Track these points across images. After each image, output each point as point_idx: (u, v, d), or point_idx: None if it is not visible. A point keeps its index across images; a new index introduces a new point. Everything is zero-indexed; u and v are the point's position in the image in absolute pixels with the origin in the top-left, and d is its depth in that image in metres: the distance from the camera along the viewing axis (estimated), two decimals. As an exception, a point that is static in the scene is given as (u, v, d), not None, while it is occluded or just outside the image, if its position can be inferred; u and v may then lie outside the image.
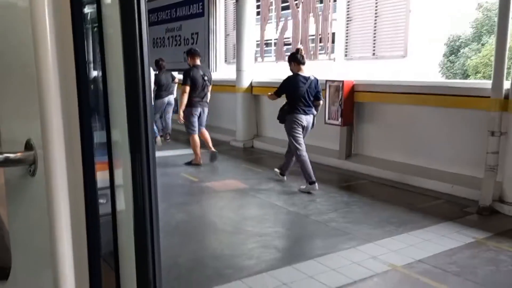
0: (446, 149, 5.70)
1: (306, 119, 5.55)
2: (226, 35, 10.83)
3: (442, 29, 20.41)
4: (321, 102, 5.71)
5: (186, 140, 7.71)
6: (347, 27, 8.25)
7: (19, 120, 1.06)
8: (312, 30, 8.69)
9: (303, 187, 5.55)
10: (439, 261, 3.54)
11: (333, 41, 9.37)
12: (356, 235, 4.11)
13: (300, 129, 5.54)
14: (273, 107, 8.58)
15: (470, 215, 4.66)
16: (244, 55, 8.60)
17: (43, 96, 0.96)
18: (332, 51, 9.26)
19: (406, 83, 6.26)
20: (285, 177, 6.02)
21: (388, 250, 3.74)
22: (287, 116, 5.56)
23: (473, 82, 9.84)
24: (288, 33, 9.22)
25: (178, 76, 10.07)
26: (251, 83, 8.71)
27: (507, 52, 4.73)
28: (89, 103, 1.02)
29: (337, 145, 6.97)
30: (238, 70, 8.69)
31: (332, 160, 6.98)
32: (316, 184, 5.46)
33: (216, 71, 9.93)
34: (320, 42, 8.58)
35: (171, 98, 9.72)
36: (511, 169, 4.69)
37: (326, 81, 6.92)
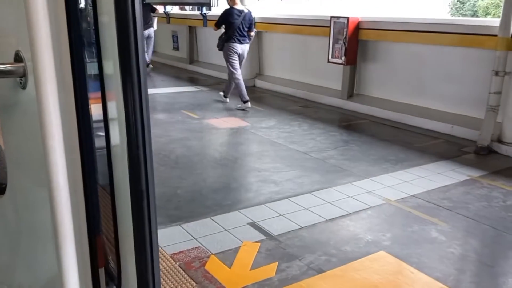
0: (450, 90, 5.64)
1: (241, 47, 6.45)
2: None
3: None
4: (253, 33, 6.59)
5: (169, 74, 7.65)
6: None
7: (7, 31, 1.04)
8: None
9: (238, 105, 6.60)
10: (433, 196, 3.62)
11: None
12: (353, 172, 4.18)
13: (236, 56, 6.47)
14: (276, 45, 8.42)
15: (467, 154, 4.70)
16: (247, -10, 8.27)
17: (30, 7, 0.94)
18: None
19: (413, 20, 6.06)
20: (227, 99, 6.98)
21: (383, 186, 3.82)
22: (224, 44, 6.45)
23: (481, 20, 9.54)
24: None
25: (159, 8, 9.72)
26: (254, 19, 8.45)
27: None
28: (79, 22, 1.00)
29: (339, 85, 6.90)
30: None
31: (334, 99, 6.94)
32: (249, 102, 6.55)
33: (217, 6, 9.60)
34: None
35: (151, 31, 9.53)
36: (513, 109, 4.66)
37: (331, 17, 6.72)
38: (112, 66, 0.99)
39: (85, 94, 1.03)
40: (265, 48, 8.69)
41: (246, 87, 6.65)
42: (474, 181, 3.97)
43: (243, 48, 6.46)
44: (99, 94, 1.05)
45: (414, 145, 4.95)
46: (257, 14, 8.44)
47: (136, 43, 0.95)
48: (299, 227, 3.09)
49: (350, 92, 6.81)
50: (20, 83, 1.02)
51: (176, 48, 11.46)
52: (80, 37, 1.01)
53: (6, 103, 1.11)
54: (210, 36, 10.25)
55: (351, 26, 6.47)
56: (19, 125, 1.10)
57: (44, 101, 0.97)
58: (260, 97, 7.77)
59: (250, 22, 6.42)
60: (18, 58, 1.00)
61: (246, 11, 6.39)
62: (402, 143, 5.01)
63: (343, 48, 6.56)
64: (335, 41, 6.72)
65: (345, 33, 6.51)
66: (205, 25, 9.94)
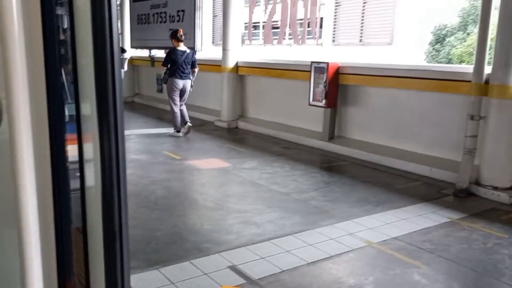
0: (427, 133, 5.78)
1: (182, 82, 7.43)
2: (214, 16, 10.69)
3: (429, 18, 20.47)
4: (196, 70, 7.58)
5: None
6: (335, 12, 8.21)
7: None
8: (300, 14, 8.63)
9: (170, 132, 7.66)
10: (414, 238, 3.62)
11: (321, 26, 9.32)
12: (334, 213, 4.16)
13: (177, 91, 7.44)
14: (259, 88, 8.58)
15: (446, 196, 4.75)
16: (230, 35, 8.51)
17: (7, 44, 0.94)
18: (320, 36, 9.21)
19: (390, 66, 6.28)
20: (180, 133, 7.64)
21: (365, 228, 3.80)
22: (168, 79, 7.42)
23: (455, 66, 9.93)
24: (277, 17, 9.13)
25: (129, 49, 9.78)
26: (237, 63, 8.65)
27: (489, 37, 4.77)
28: (57, 62, 1.00)
29: (320, 127, 7.01)
30: (224, 50, 8.61)
31: (315, 141, 7.02)
32: (181, 132, 7.56)
33: (201, 50, 9.81)
34: (308, 26, 8.53)
35: (122, 72, 9.68)
36: (489, 152, 4.77)
37: (312, 62, 6.91)
38: (89, 107, 0.98)
39: (62, 134, 1.02)
40: (248, 91, 8.84)
41: (229, 129, 6.75)
42: (454, 223, 3.99)
43: (184, 83, 7.45)
44: (75, 136, 1.04)
45: (394, 186, 4.99)
46: (240, 58, 8.65)
47: (114, 85, 0.96)
48: (281, 270, 3.03)
49: (331, 134, 6.91)
50: (-6, 121, 1.00)
51: (160, 90, 11.56)
52: (57, 77, 1.01)
53: (-21, 141, 1.08)
54: (194, 79, 10.41)
55: (331, 71, 6.66)
56: (-10, 165, 1.07)
57: (17, 140, 0.95)
58: (242, 138, 7.81)
59: (193, 60, 7.47)
60: (-8, 96, 0.99)
61: (188, 51, 7.46)
62: (383, 185, 5.05)
63: (324, 92, 6.71)
64: (316, 85, 6.88)
65: (325, 77, 6.68)
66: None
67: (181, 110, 7.62)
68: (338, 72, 6.73)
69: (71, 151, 1.05)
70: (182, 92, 7.52)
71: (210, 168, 5.71)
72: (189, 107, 10.35)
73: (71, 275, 1.08)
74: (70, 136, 1.05)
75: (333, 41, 8.55)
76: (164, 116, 10.03)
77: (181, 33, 7.43)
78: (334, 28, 8.37)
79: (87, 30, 0.94)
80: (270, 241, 3.50)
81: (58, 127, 1.01)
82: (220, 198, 4.62)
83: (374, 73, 6.36)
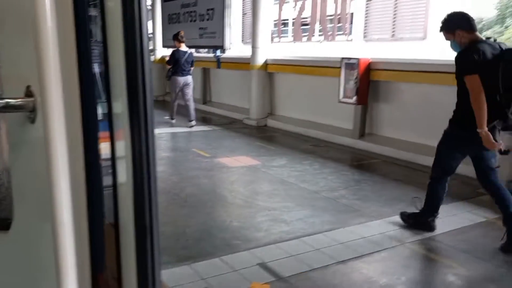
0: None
1: (184, 79, 8.26)
2: (243, 14, 10.71)
3: (464, 11, 19.84)
4: (192, 68, 8.44)
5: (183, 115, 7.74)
6: (367, 7, 8.07)
7: (19, 66, 1.07)
8: (330, 10, 8.53)
9: (167, 117, 8.81)
10: (449, 238, 3.51)
11: (351, 22, 9.19)
12: (365, 212, 4.10)
13: (178, 87, 8.32)
14: (288, 85, 8.54)
15: (483, 195, 4.58)
16: (259, 32, 8.51)
17: (41, 43, 0.96)
18: (350, 32, 9.08)
19: (424, 61, 6.12)
20: (174, 120, 8.72)
21: (397, 227, 3.72)
22: (171, 76, 8.31)
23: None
24: (306, 13, 9.06)
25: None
26: (266, 60, 8.64)
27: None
28: (89, 60, 1.02)
29: (350, 124, 6.91)
30: (253, 47, 8.61)
31: (345, 139, 6.93)
32: (175, 120, 8.69)
33: (230, 48, 9.85)
34: (339, 22, 8.43)
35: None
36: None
37: (342, 58, 6.82)
38: (120, 106, 1.00)
39: (95, 132, 1.04)
40: (277, 88, 8.82)
41: (258, 127, 6.75)
42: (491, 223, 3.86)
43: (184, 79, 8.28)
44: (107, 133, 1.06)
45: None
46: (269, 56, 8.64)
47: (144, 84, 0.97)
48: (310, 268, 3.01)
49: (362, 131, 6.80)
50: (30, 117, 1.03)
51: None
52: (90, 76, 1.03)
53: (16, 137, 1.13)
54: (223, 78, 10.48)
55: (362, 67, 6.55)
56: (27, 159, 1.11)
57: (51, 136, 0.98)
58: (271, 136, 7.80)
59: (192, 60, 8.35)
60: (28, 93, 1.01)
61: (189, 51, 8.28)
62: (415, 184, 4.93)
63: (355, 88, 6.61)
64: (346, 81, 6.79)
65: (356, 73, 6.58)
66: (219, 67, 10.17)
67: (187, 106, 8.36)
68: (370, 68, 6.62)
69: (103, 148, 1.07)
70: (185, 87, 8.29)
71: (239, 166, 5.73)
72: (218, 105, 10.47)
73: (103, 268, 1.10)
74: (102, 133, 1.07)
75: (364, 36, 8.41)
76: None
77: (182, 34, 8.25)
78: (365, 23, 8.23)
79: (118, 30, 0.96)
80: (299, 239, 3.48)
81: (91, 125, 1.03)
82: (249, 195, 4.63)
83: (406, 69, 6.21)
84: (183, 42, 8.23)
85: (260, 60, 8.61)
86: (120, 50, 0.96)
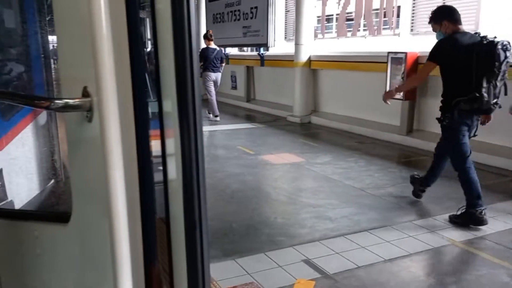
0: (518, 125, 5.32)
1: (214, 75, 8.86)
2: (286, 11, 10.68)
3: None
4: (223, 64, 9.08)
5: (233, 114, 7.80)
6: (414, 0, 7.83)
7: (76, 68, 1.13)
8: (376, 4, 8.34)
9: (209, 116, 8.98)
10: (503, 238, 3.36)
11: (398, 15, 8.94)
12: (413, 210, 4.00)
13: (211, 82, 8.87)
14: (332, 82, 8.45)
15: (541, 194, 4.36)
16: (303, 29, 8.46)
17: (97, 46, 1.02)
18: (397, 26, 8.83)
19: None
20: (216, 117, 8.97)
21: (447, 225, 3.61)
22: (203, 73, 8.76)
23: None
24: (351, 8, 8.90)
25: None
26: (309, 57, 8.58)
27: None
28: (141, 63, 1.07)
29: (398, 120, 6.74)
30: (297, 44, 8.58)
31: (392, 135, 6.77)
32: (218, 117, 8.94)
33: (274, 46, 9.86)
34: (384, 16, 8.22)
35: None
36: None
37: (388, 53, 6.67)
38: (170, 105, 1.04)
39: (147, 130, 1.09)
40: (321, 85, 8.74)
41: (302, 124, 6.73)
42: (550, 222, 3.65)
43: (216, 75, 8.87)
44: (158, 132, 1.11)
45: (481, 183, 4.65)
46: (313, 52, 8.58)
47: (193, 84, 1.01)
48: (356, 266, 2.98)
49: (410, 127, 6.62)
50: (87, 116, 1.09)
51: (234, 87, 11.82)
52: (142, 76, 1.08)
53: (74, 136, 1.19)
54: (267, 75, 10.51)
55: (410, 61, 6.37)
56: (84, 157, 1.17)
57: (107, 134, 1.03)
58: (315, 133, 7.75)
59: (221, 57, 8.93)
60: (85, 93, 1.07)
61: (218, 49, 8.89)
62: (467, 181, 4.74)
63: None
64: (393, 76, 6.62)
65: (403, 68, 6.41)
66: (262, 64, 10.21)
67: (211, 100, 8.96)
68: (417, 63, 6.42)
69: (154, 146, 1.12)
70: (215, 84, 8.91)
71: (283, 163, 5.75)
72: (262, 103, 10.51)
73: (155, 260, 1.15)
74: (153, 132, 1.11)
75: (411, 30, 8.16)
76: (238, 113, 10.26)
77: (211, 33, 8.96)
78: (413, 16, 7.98)
79: (168, 31, 1.00)
80: (344, 236, 3.45)
81: (143, 123, 1.08)
82: (293, 192, 4.64)
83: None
84: (211, 40, 8.87)
85: (303, 57, 8.56)
86: (169, 51, 1.01)
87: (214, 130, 8.01)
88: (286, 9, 10.61)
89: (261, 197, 4.51)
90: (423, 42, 7.80)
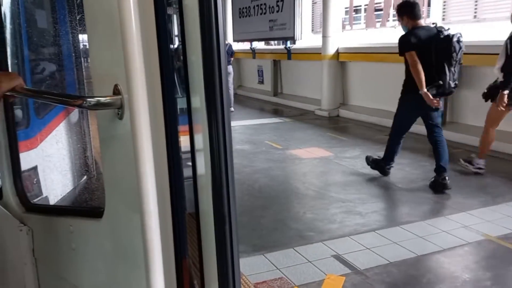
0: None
1: (229, 68, 9.13)
2: (313, 3, 10.57)
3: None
4: (232, 58, 9.62)
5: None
6: (445, -12, 7.60)
7: (107, 66, 1.15)
8: (406, -8, 8.14)
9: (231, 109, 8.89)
10: (542, 233, 3.24)
11: (429, 4, 8.70)
12: (447, 204, 3.90)
13: (231, 77, 9.31)
14: (361, 74, 8.32)
15: None
16: (330, 21, 8.36)
17: (127, 44, 1.03)
18: (428, 15, 8.61)
19: (511, 42, 5.64)
20: (232, 108, 9.16)
21: (482, 220, 3.50)
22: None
23: None
24: (379, -3, 8.74)
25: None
26: (337, 49, 8.47)
27: None
28: (170, 60, 1.08)
29: (429, 113, 6.57)
30: (324, 37, 8.48)
31: (424, 128, 6.59)
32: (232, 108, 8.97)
33: (301, 39, 9.77)
34: (415, 6, 8.02)
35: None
36: None
37: (418, 44, 6.49)
38: (198, 101, 1.04)
39: (175, 127, 1.10)
40: (349, 78, 8.62)
41: (330, 118, 6.65)
42: None
43: (229, 67, 9.31)
44: (186, 127, 1.11)
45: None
46: (341, 44, 8.46)
47: (221, 80, 1.00)
48: (388, 262, 2.93)
49: (442, 120, 6.43)
50: (118, 113, 1.10)
51: (261, 82, 11.80)
52: (170, 73, 1.09)
53: (105, 133, 1.21)
54: (295, 69, 10.44)
55: (441, 52, 6.18)
56: (116, 153, 1.19)
57: (138, 131, 1.04)
58: (344, 127, 7.66)
59: (231, 52, 9.43)
60: (116, 91, 1.09)
61: (228, 44, 9.34)
62: (504, 174, 4.59)
63: (433, 75, 6.27)
64: (424, 67, 6.45)
65: (434, 59, 6.23)
66: (289, 58, 10.15)
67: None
68: (449, 53, 6.22)
69: (183, 141, 1.12)
70: (228, 76, 9.67)
71: (311, 157, 5.70)
72: (288, 96, 10.45)
73: (186, 255, 1.16)
74: (182, 127, 1.12)
75: (443, 19, 7.93)
76: (265, 107, 10.24)
77: None
78: (444, 5, 7.75)
79: (195, 28, 1.00)
80: (375, 231, 3.40)
81: (172, 120, 1.09)
82: (322, 187, 4.60)
83: (491, 52, 5.75)
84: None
85: (331, 49, 8.46)
86: (197, 47, 1.01)
87: (241, 125, 8.02)
88: (313, 0, 10.50)
89: (290, 192, 4.49)
90: (456, 31, 7.57)
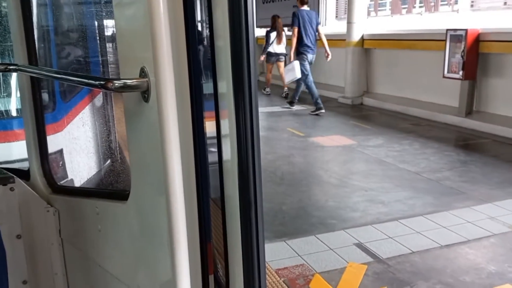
0: None
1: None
2: (338, -11, 10.37)
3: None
4: None
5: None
6: (475, -27, 7.34)
7: (134, 49, 1.14)
8: (433, -22, 7.91)
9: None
10: None
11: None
12: (472, 195, 3.81)
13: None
14: (386, 61, 8.15)
15: None
16: (355, 7, 8.20)
17: (154, 27, 1.02)
18: (456, 2, 8.34)
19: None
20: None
21: (509, 212, 3.42)
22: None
23: None
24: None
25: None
26: (362, 36, 8.31)
27: None
28: (197, 44, 1.06)
29: (456, 101, 6.41)
30: (349, 23, 8.33)
31: (450, 117, 6.46)
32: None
33: (325, 25, 9.63)
34: (443, -8, 7.78)
35: None
36: None
37: (447, 30, 6.32)
38: (225, 86, 1.03)
39: (201, 111, 1.09)
40: (374, 65, 8.46)
41: (353, 106, 6.59)
42: None
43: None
44: (212, 113, 1.10)
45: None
46: (366, 31, 8.30)
47: (249, 65, 0.98)
48: (410, 251, 2.89)
49: (469, 109, 6.28)
50: (144, 96, 1.10)
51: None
52: (197, 58, 1.08)
53: (132, 115, 1.21)
54: (318, 55, 10.30)
55: (470, 39, 6.00)
56: (142, 136, 1.19)
57: (164, 114, 1.04)
58: (367, 115, 7.55)
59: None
60: (143, 74, 1.08)
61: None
62: (533, 166, 4.46)
63: (461, 62, 6.10)
64: (452, 55, 6.28)
65: (463, 46, 6.06)
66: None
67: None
68: (479, 40, 6.04)
69: (209, 126, 1.11)
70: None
71: (334, 145, 5.65)
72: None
73: (210, 238, 1.17)
74: (209, 113, 1.11)
75: (472, 6, 7.68)
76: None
77: None
78: (473, -9, 7.50)
79: (223, 11, 0.98)
80: (398, 220, 3.36)
81: (198, 104, 1.08)
82: (345, 175, 4.56)
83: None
84: None
85: (356, 36, 8.31)
86: (226, 31, 0.98)
87: (264, 112, 7.99)
88: (337, -14, 10.30)
89: (312, 179, 4.47)
90: (485, 18, 7.32)
